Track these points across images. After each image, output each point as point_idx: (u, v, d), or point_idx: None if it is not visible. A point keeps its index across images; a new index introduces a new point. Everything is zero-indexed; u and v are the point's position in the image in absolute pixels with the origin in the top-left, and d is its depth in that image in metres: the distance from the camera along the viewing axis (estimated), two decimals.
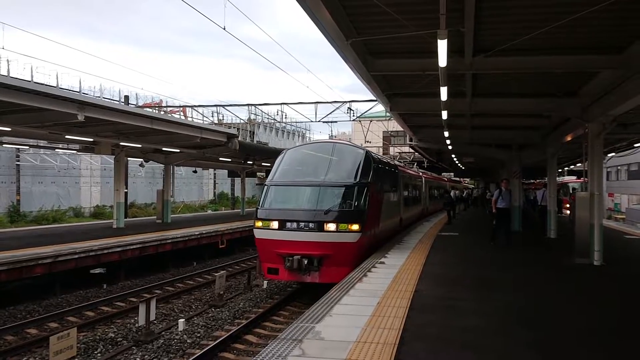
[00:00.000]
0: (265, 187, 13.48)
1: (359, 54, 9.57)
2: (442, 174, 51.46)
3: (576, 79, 11.87)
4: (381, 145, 45.37)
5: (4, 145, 27.13)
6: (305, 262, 11.82)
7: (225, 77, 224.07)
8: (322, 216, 12.00)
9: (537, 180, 46.16)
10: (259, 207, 12.95)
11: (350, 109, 25.65)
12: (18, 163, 33.19)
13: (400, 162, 27.83)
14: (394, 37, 8.78)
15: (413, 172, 26.37)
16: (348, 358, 5.35)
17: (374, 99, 17.71)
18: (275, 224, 12.33)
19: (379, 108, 22.86)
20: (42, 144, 26.11)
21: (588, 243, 12.10)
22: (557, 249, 15.31)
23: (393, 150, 43.55)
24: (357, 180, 12.79)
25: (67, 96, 13.81)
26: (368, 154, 13.81)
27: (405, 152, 42.25)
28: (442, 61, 8.33)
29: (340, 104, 24.77)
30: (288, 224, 12.17)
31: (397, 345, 5.73)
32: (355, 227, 12.01)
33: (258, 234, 12.75)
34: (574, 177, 43.04)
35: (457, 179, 65.24)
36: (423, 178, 28.51)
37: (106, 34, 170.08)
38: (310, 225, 11.98)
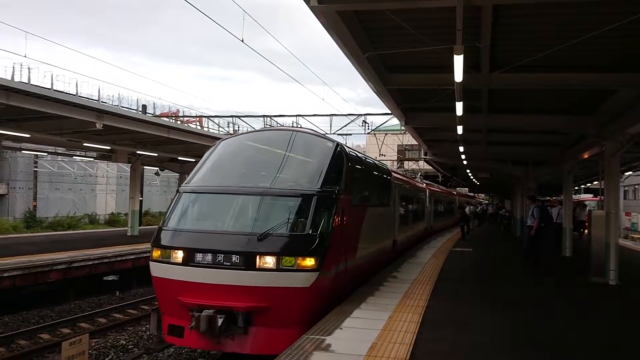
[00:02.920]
0: (177, 194, 9.04)
1: (375, 67, 9.62)
2: (457, 188, 51.19)
3: (593, 97, 11.79)
4: (396, 158, 45.28)
5: (23, 152, 27.53)
6: (221, 320, 7.31)
7: (242, 88, 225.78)
8: (254, 244, 7.58)
9: (553, 198, 45.71)
10: (163, 227, 8.44)
11: (365, 122, 25.63)
12: (36, 169, 33.65)
13: (402, 173, 23.91)
14: (410, 51, 8.81)
15: (413, 182, 22.25)
16: None
17: (389, 112, 17.73)
18: (178, 256, 7.84)
19: (394, 121, 22.81)
20: (60, 151, 26.48)
21: (604, 262, 11.95)
22: (573, 267, 15.12)
23: (408, 165, 43.36)
24: (320, 187, 8.40)
25: (86, 104, 14.06)
26: (340, 150, 9.39)
27: (410, 157, 41.89)
28: (458, 76, 8.35)
29: (356, 116, 24.78)
30: (198, 257, 7.69)
31: None
32: (309, 261, 7.61)
33: (155, 269, 8.15)
34: (590, 195, 42.57)
35: (471, 194, 64.81)
36: (427, 190, 24.75)
37: (125, 45, 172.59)
38: (234, 258, 7.54)
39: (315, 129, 9.26)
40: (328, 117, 24.68)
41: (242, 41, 13.07)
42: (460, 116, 11.62)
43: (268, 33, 15.46)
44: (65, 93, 27.64)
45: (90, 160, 32.07)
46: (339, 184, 8.81)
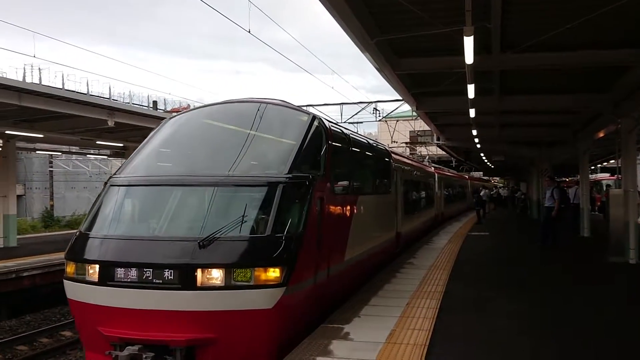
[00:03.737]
0: (103, 188, 6.90)
1: (383, 53, 9.52)
2: (471, 172, 50.88)
3: (607, 74, 11.60)
4: (407, 144, 45.10)
5: (37, 152, 27.80)
6: (149, 359, 5.31)
7: (251, 80, 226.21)
8: (194, 253, 5.57)
9: (570, 178, 45.27)
10: (79, 233, 6.53)
11: (376, 109, 25.56)
12: (51, 169, 33.99)
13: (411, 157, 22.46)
14: (419, 35, 8.70)
15: (419, 165, 20.02)
16: (377, 359, 5.31)
17: (400, 98, 17.61)
18: (94, 271, 5.85)
19: (406, 107, 22.68)
20: (74, 150, 26.70)
21: (623, 241, 11.82)
22: (592, 247, 14.99)
23: (420, 150, 43.14)
24: (289, 172, 6.37)
25: (97, 103, 14.15)
26: (319, 125, 7.38)
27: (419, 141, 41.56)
28: (469, 58, 8.24)
29: (366, 104, 24.68)
30: (119, 273, 5.68)
31: (427, 347, 5.66)
32: (272, 273, 5.65)
33: (69, 290, 6.23)
34: (607, 174, 42.11)
35: (486, 177, 64.42)
36: (436, 174, 22.74)
37: (134, 40, 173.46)
38: (167, 274, 5.55)
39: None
40: (339, 106, 24.64)
41: (249, 32, 13.00)
42: (472, 99, 11.51)
43: (275, 23, 15.47)
44: (77, 92, 27.83)
45: (104, 158, 32.32)
46: (316, 167, 6.95)
